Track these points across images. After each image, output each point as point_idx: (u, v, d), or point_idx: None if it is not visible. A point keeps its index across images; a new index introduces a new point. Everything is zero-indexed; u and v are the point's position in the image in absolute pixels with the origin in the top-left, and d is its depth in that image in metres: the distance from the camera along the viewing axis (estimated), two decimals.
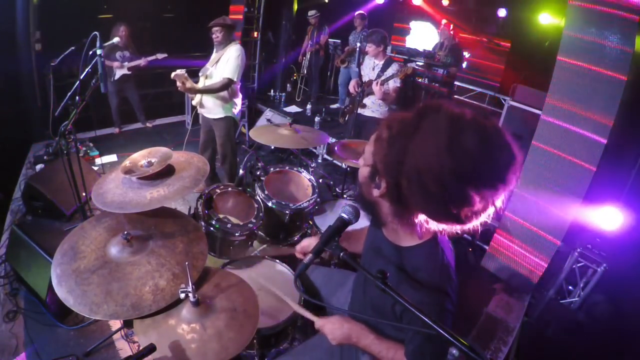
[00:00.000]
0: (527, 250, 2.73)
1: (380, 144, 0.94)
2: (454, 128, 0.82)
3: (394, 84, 3.25)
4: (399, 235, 1.07)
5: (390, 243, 1.11)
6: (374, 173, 0.98)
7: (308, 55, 6.06)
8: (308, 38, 6.04)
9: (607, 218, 2.51)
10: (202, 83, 3.14)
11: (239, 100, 3.26)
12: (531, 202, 2.67)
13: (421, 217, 0.95)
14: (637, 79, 2.23)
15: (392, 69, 3.28)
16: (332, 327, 1.16)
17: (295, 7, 6.36)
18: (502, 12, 5.42)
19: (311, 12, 5.78)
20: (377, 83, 3.20)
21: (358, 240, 1.43)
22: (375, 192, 0.99)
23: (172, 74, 2.86)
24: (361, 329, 1.15)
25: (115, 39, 2.85)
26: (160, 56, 4.50)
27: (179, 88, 2.94)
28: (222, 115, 3.18)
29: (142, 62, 4.49)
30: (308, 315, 1.29)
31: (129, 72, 4.55)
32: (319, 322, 1.21)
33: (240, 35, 5.58)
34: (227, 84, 3.01)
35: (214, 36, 3.06)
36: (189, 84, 2.95)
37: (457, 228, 0.92)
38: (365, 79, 3.46)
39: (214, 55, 3.15)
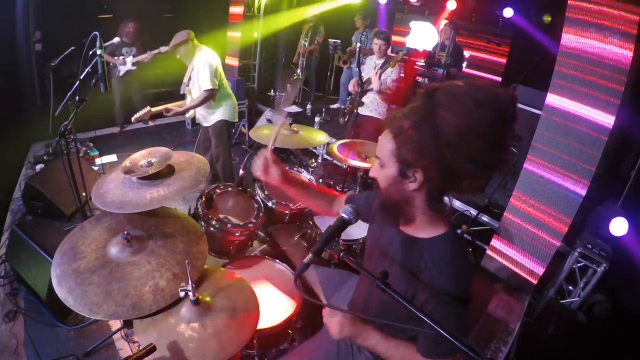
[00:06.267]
0: (527, 250, 2.73)
1: (404, 136, 0.95)
2: (467, 90, 0.91)
3: (391, 75, 3.27)
4: (421, 227, 1.07)
5: (405, 236, 1.10)
6: (404, 168, 0.98)
7: (300, 55, 6.07)
8: (302, 37, 6.04)
9: (614, 225, 2.53)
10: (189, 98, 3.17)
11: (226, 100, 3.23)
12: (531, 203, 2.67)
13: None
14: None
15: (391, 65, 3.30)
16: (340, 323, 1.11)
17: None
18: (508, 13, 5.33)
19: (312, 10, 5.77)
20: (375, 72, 3.24)
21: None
22: (412, 186, 0.99)
23: (133, 119, 2.87)
24: (368, 329, 1.14)
25: (115, 39, 2.86)
26: (163, 49, 4.44)
27: (168, 115, 3.00)
28: (214, 122, 3.23)
29: (147, 56, 4.44)
30: (319, 301, 1.22)
31: (134, 68, 4.52)
32: (329, 312, 1.15)
33: (240, 35, 5.59)
34: (209, 95, 3.01)
35: (177, 56, 3.07)
36: (172, 110, 2.99)
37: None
38: (365, 78, 3.48)
39: (187, 69, 3.14)
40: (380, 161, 1.04)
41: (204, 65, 2.94)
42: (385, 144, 1.01)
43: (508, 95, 0.92)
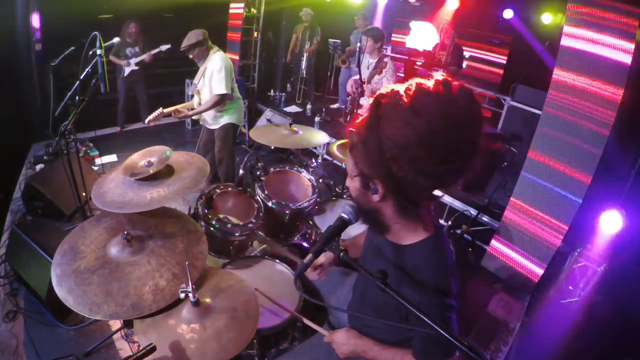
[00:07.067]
0: (527, 250, 2.73)
1: (356, 150, 0.94)
2: (408, 98, 0.86)
3: (386, 75, 3.25)
4: (401, 234, 1.06)
5: (390, 243, 1.10)
6: (365, 180, 0.97)
7: (305, 56, 6.06)
8: (298, 38, 6.03)
9: (607, 221, 2.51)
10: (197, 99, 3.15)
11: (235, 104, 3.22)
12: (531, 203, 2.67)
13: (425, 203, 0.99)
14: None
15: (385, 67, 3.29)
16: (339, 342, 1.21)
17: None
18: (508, 14, 5.33)
19: (305, 9, 5.76)
20: (364, 81, 3.23)
21: (359, 247, 1.43)
22: (375, 198, 0.97)
23: (146, 120, 2.85)
24: (365, 343, 1.17)
25: (115, 39, 2.85)
26: (163, 47, 4.48)
27: (178, 117, 2.97)
28: (220, 125, 3.22)
29: (146, 57, 4.53)
30: (318, 329, 1.35)
31: (137, 68, 4.58)
32: (327, 337, 1.26)
33: (240, 36, 5.59)
34: (220, 100, 2.99)
35: (190, 56, 3.02)
36: (182, 113, 2.95)
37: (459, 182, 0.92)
38: (363, 77, 3.48)
39: (199, 69, 3.11)
40: (350, 173, 1.03)
41: (219, 69, 2.91)
42: (348, 157, 1.00)
43: (464, 94, 0.86)
